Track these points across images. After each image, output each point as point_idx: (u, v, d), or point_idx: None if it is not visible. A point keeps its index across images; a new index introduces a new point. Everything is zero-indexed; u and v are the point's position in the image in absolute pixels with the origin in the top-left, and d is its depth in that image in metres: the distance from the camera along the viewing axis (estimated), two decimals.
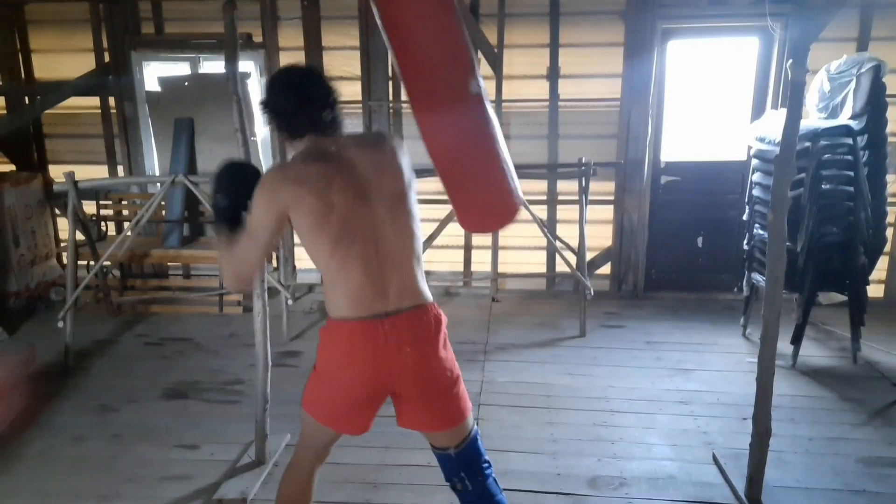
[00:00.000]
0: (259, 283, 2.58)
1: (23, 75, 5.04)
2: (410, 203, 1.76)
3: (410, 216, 1.75)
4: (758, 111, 4.62)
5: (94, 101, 5.02)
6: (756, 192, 3.90)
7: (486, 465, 1.85)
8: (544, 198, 4.90)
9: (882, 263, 4.50)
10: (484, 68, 4.70)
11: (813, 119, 3.82)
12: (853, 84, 3.58)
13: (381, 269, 1.69)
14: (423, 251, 4.35)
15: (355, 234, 1.66)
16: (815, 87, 3.84)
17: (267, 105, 1.75)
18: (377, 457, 2.78)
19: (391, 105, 4.81)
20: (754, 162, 3.99)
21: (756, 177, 3.92)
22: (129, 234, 4.17)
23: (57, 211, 5.04)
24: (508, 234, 4.86)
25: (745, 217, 4.10)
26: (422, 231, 1.82)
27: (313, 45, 4.77)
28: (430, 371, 1.75)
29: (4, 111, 5.04)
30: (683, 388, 3.47)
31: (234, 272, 1.76)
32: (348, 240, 1.66)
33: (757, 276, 3.91)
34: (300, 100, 1.71)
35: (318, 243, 1.68)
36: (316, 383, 1.80)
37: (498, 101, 4.69)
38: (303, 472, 1.94)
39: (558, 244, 4.42)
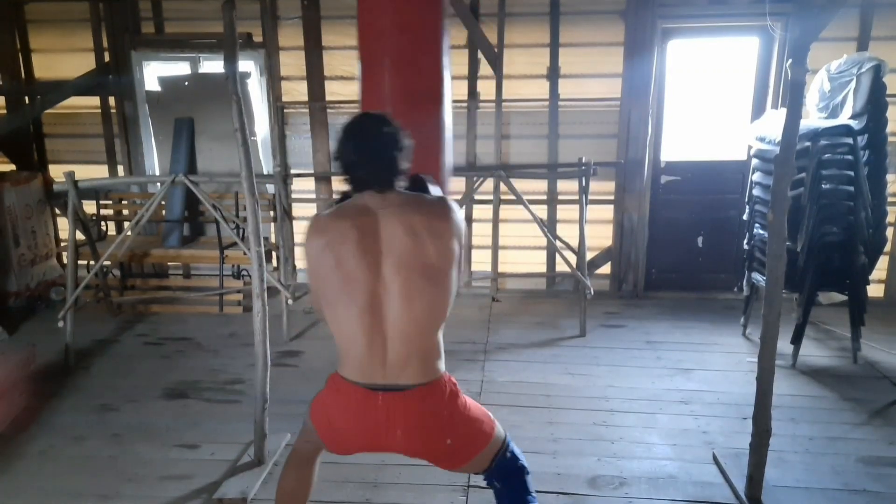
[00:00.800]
0: (258, 283, 2.58)
1: (23, 75, 5.04)
2: (441, 278, 1.67)
3: (435, 291, 1.67)
4: (758, 111, 4.62)
5: (95, 100, 5.02)
6: (756, 191, 3.90)
7: (517, 473, 1.85)
8: (544, 197, 4.90)
9: (882, 263, 4.50)
10: (484, 68, 4.70)
11: (813, 119, 3.82)
12: (853, 84, 3.58)
13: (381, 337, 1.65)
14: None
15: (356, 296, 1.64)
16: (816, 87, 3.84)
17: (336, 153, 1.75)
18: (377, 456, 2.77)
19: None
20: (754, 161, 3.99)
21: (756, 176, 3.92)
22: (129, 233, 4.18)
23: (57, 210, 5.04)
24: (509, 234, 4.86)
25: (745, 217, 4.10)
26: (448, 308, 1.72)
27: (313, 45, 4.77)
28: (421, 448, 1.75)
29: (4, 111, 5.04)
30: (684, 387, 3.47)
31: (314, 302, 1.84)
32: (346, 297, 1.65)
33: (757, 276, 3.91)
34: (359, 157, 1.70)
35: (324, 293, 1.71)
36: (320, 405, 1.81)
37: (498, 101, 4.69)
38: (302, 461, 1.97)
39: (558, 244, 4.42)
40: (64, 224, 4.86)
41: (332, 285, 1.68)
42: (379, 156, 1.69)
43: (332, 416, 1.77)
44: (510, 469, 1.85)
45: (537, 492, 2.54)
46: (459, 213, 1.74)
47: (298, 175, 4.87)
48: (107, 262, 4.32)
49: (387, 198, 1.70)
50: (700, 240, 4.92)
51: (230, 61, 2.40)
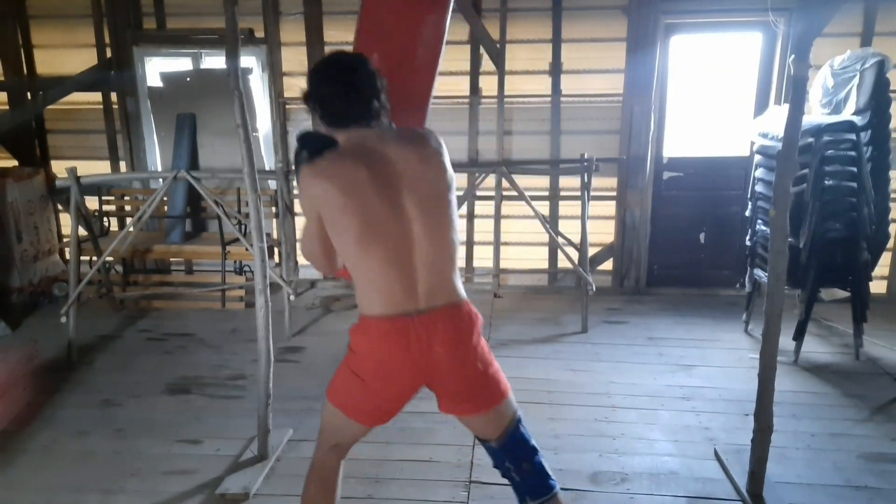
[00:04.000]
0: (261, 279, 2.58)
1: (25, 71, 5.03)
2: (449, 202, 1.72)
3: (447, 215, 1.71)
4: (761, 106, 4.61)
5: (96, 96, 5.01)
6: (759, 187, 3.89)
7: (530, 452, 1.80)
8: (546, 193, 4.89)
9: (885, 259, 4.48)
10: (486, 64, 4.69)
11: (816, 115, 3.80)
12: (857, 79, 3.57)
13: (410, 268, 1.65)
14: None
15: (380, 232, 1.63)
16: (819, 83, 3.83)
17: (309, 92, 1.73)
18: (378, 452, 2.79)
19: None
20: (757, 158, 3.97)
21: (759, 172, 3.91)
22: (131, 229, 4.18)
23: (59, 206, 5.04)
24: (510, 230, 4.86)
25: (747, 213, 4.09)
26: (459, 229, 1.77)
27: (315, 41, 4.76)
28: (460, 367, 1.72)
29: (7, 107, 5.04)
30: (685, 383, 3.47)
31: (306, 251, 1.78)
32: (372, 237, 1.63)
33: (759, 272, 3.90)
34: (339, 89, 1.68)
35: (343, 238, 1.66)
36: (346, 377, 1.76)
37: (500, 97, 4.68)
38: (327, 468, 1.87)
39: (560, 240, 4.42)
40: (66, 220, 4.88)
41: (351, 228, 1.63)
42: (360, 88, 1.68)
43: (364, 363, 1.72)
44: (524, 448, 1.80)
45: None
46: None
47: None
48: (109, 258, 4.33)
49: (380, 133, 1.71)
50: (702, 236, 4.92)
51: (232, 57, 2.40)
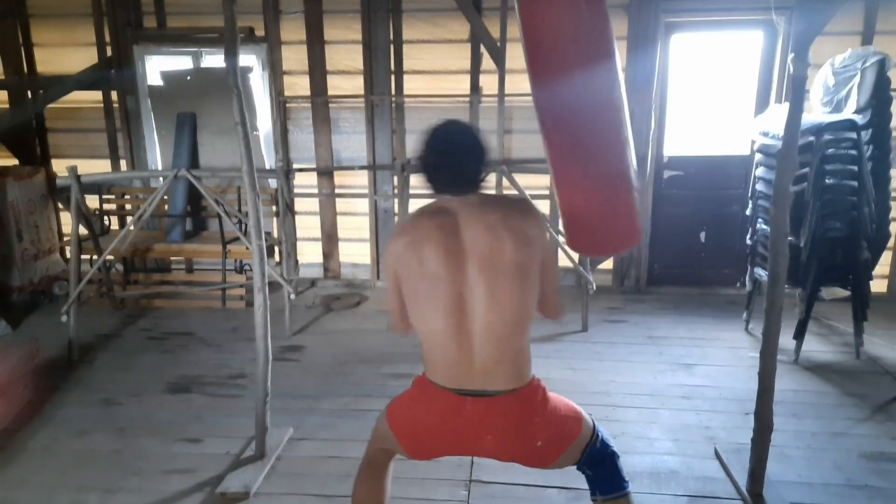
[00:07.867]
0: (260, 277, 2.58)
1: (25, 69, 5.03)
2: (525, 277, 1.66)
3: (519, 291, 1.65)
4: (762, 105, 4.61)
5: (97, 95, 5.02)
6: (759, 186, 3.89)
7: (609, 457, 1.82)
8: (547, 192, 4.88)
9: (885, 258, 4.48)
10: (486, 62, 4.69)
11: (817, 113, 3.80)
12: (857, 78, 3.56)
13: (469, 341, 1.64)
14: None
15: (442, 298, 1.63)
16: (820, 82, 3.83)
17: (418, 158, 1.77)
18: None
19: (393, 99, 4.81)
20: (758, 156, 3.97)
21: (759, 171, 3.91)
22: (131, 228, 4.18)
23: (60, 205, 5.04)
24: None
25: (748, 212, 4.09)
26: (533, 308, 1.73)
27: (315, 39, 4.76)
28: (511, 452, 1.75)
29: (7, 105, 5.04)
30: (686, 382, 3.47)
31: (388, 311, 1.83)
32: (434, 301, 1.64)
33: (760, 271, 3.90)
34: (446, 163, 1.72)
35: (410, 297, 1.70)
36: (404, 406, 1.83)
37: (500, 96, 4.67)
38: (378, 460, 1.94)
39: (561, 238, 4.41)
40: (67, 219, 4.87)
41: (417, 287, 1.68)
42: (461, 166, 1.71)
43: (418, 419, 1.77)
44: (601, 456, 1.82)
45: (540, 486, 2.56)
46: (539, 212, 1.77)
47: (300, 170, 4.88)
48: (110, 257, 4.33)
49: (466, 198, 1.72)
50: (703, 235, 4.92)
51: (231, 55, 2.40)
